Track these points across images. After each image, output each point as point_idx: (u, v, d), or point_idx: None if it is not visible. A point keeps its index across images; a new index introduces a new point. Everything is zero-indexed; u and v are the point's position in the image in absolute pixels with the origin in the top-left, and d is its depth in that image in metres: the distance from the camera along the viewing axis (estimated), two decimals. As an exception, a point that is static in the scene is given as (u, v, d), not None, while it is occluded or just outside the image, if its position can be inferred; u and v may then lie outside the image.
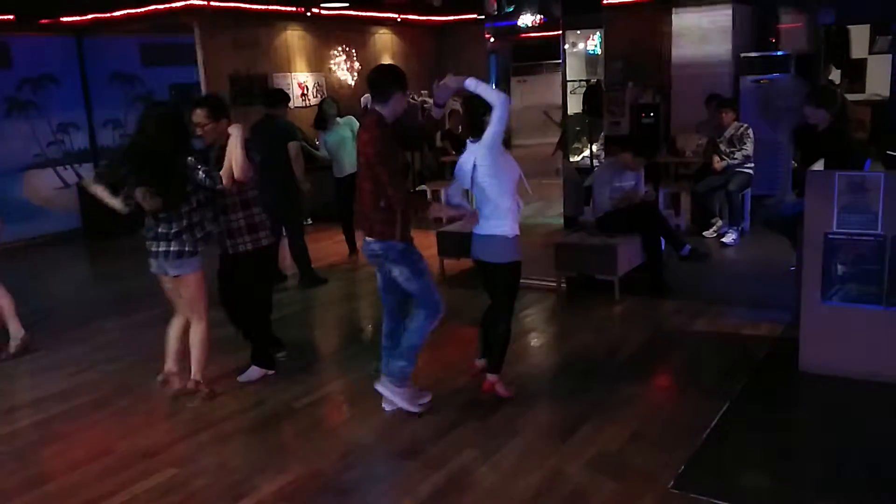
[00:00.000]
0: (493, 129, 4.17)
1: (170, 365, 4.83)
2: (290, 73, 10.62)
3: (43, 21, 9.65)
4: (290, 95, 10.40)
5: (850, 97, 10.77)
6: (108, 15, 9.48)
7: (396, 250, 4.20)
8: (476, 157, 4.23)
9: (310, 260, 7.29)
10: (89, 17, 9.64)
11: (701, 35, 10.21)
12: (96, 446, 4.23)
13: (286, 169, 6.73)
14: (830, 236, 4.46)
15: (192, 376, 4.75)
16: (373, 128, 4.13)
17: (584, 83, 7.96)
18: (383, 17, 11.69)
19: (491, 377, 4.59)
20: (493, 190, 4.25)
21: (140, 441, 4.26)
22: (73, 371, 5.36)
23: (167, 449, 4.15)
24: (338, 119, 8.07)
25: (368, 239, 4.27)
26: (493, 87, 7.32)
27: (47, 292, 7.67)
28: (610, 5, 8.41)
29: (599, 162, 7.52)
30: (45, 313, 6.70)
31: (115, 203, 4.52)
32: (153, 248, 4.55)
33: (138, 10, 9.20)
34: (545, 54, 7.08)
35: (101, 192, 4.53)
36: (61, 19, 9.70)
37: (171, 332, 4.87)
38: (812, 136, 5.96)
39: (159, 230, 4.50)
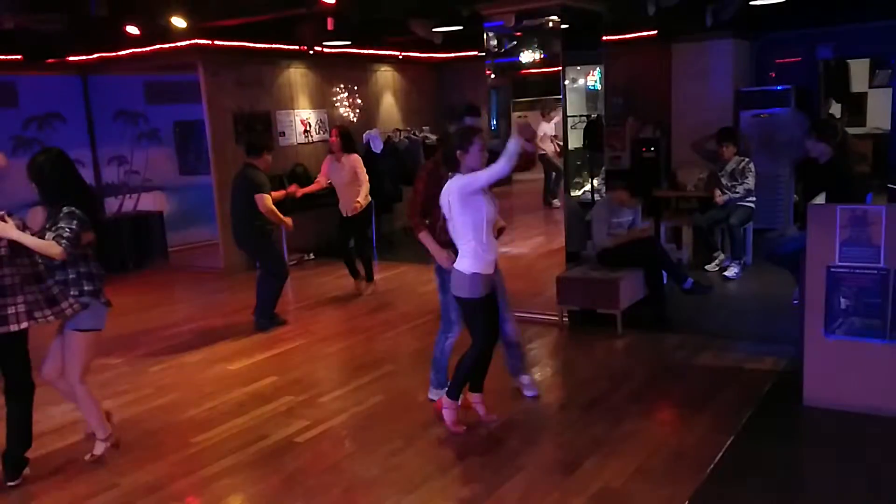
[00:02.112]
0: (475, 178, 4.25)
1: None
2: (293, 110, 10.72)
3: (49, 60, 9.78)
4: (285, 134, 10.54)
5: (851, 131, 10.85)
6: (114, 54, 9.61)
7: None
8: (450, 195, 4.33)
9: (275, 305, 7.24)
10: (95, 56, 9.77)
11: (700, 70, 10.32)
12: (100, 482, 4.21)
13: (253, 216, 6.88)
14: (833, 270, 4.47)
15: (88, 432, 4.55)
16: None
17: (584, 118, 8.02)
18: (385, 55, 11.82)
19: (445, 401, 4.65)
20: (460, 227, 4.36)
21: (144, 476, 4.24)
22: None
23: (171, 484, 4.13)
24: (344, 155, 7.92)
25: None
26: (494, 121, 7.45)
27: (51, 327, 7.66)
28: (610, 41, 8.49)
29: (601, 196, 7.56)
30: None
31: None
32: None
33: (143, 49, 9.32)
34: (545, 90, 7.15)
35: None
36: (68, 58, 9.83)
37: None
38: (814, 169, 6.00)
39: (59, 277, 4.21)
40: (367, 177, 8.01)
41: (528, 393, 5.08)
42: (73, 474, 4.31)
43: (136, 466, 4.38)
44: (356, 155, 8.09)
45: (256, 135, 9.70)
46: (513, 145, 4.14)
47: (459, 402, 4.62)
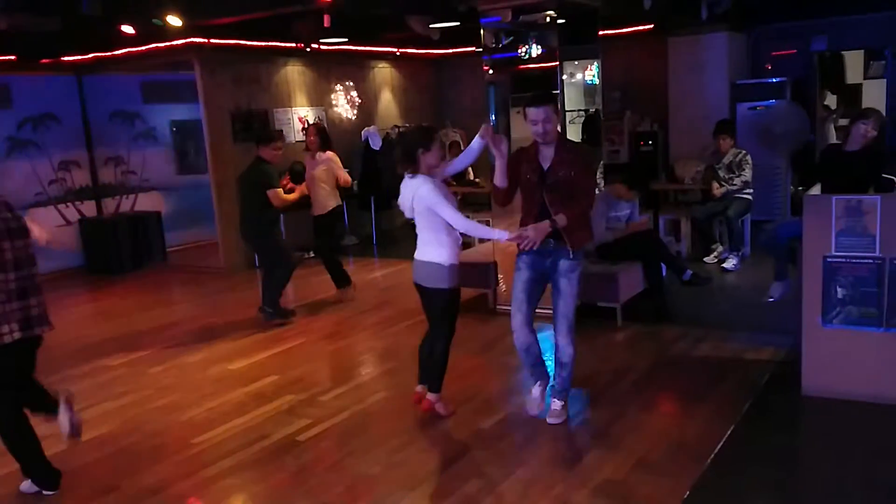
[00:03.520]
0: (443, 209, 4.34)
1: None
2: (291, 107, 10.72)
3: (44, 60, 9.76)
4: (283, 132, 10.44)
5: (846, 122, 10.85)
6: (109, 53, 9.57)
7: None
8: (414, 196, 4.41)
9: (279, 298, 7.22)
10: (90, 55, 9.74)
11: (697, 63, 10.33)
12: (102, 484, 4.21)
13: (262, 210, 6.91)
14: (829, 260, 4.49)
15: None
16: None
17: (582, 113, 8.03)
18: (382, 52, 11.82)
19: (431, 397, 4.74)
20: (435, 222, 4.43)
21: (146, 478, 4.25)
22: (77, 408, 5.32)
23: (172, 485, 4.14)
24: (319, 152, 7.67)
25: None
26: (493, 117, 7.45)
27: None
28: (606, 36, 8.49)
29: (599, 190, 7.57)
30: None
31: None
32: None
33: (139, 49, 9.29)
34: (543, 85, 7.15)
35: None
36: (62, 59, 9.81)
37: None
38: (812, 159, 5.92)
39: None
40: (346, 174, 7.78)
41: (549, 420, 4.57)
42: (77, 478, 4.31)
43: (137, 468, 4.38)
44: (331, 152, 7.76)
45: (263, 126, 9.71)
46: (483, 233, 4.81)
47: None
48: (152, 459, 4.48)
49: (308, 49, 10.27)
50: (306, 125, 10.80)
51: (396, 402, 5.16)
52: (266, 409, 5.13)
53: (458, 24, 8.57)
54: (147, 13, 7.28)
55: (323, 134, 7.80)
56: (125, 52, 9.49)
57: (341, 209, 7.86)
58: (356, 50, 11.19)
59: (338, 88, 11.44)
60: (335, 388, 5.58)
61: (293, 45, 10.08)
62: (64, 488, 4.18)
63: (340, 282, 8.00)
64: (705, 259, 8.32)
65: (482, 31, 7.07)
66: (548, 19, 6.76)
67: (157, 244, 10.91)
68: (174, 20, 7.29)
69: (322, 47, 10.35)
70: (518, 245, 4.35)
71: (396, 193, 4.56)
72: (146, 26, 7.71)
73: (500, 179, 4.41)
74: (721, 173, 8.20)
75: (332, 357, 6.48)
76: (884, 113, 10.43)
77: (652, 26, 10.24)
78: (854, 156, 5.55)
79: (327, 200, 7.65)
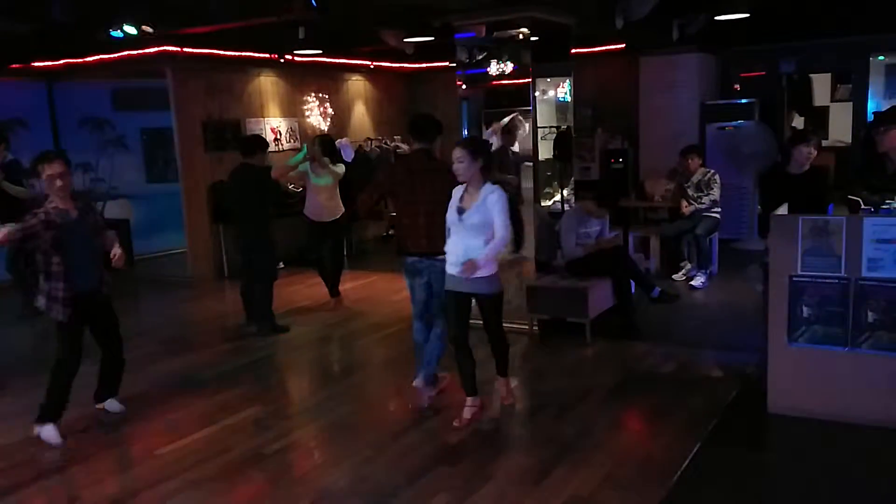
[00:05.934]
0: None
1: None
2: (263, 118, 10.67)
3: (13, 66, 9.62)
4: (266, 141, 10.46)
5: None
6: (81, 60, 9.46)
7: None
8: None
9: (271, 308, 7.16)
10: (61, 62, 9.63)
11: (667, 82, 10.48)
12: (60, 496, 4.13)
13: (259, 216, 6.84)
14: (795, 279, 4.55)
15: None
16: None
17: (554, 129, 8.09)
18: (356, 64, 11.83)
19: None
20: None
21: (106, 490, 4.17)
22: (33, 420, 5.22)
23: (133, 497, 4.06)
24: (328, 163, 7.85)
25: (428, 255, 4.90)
26: (465, 132, 7.49)
27: (2, 340, 7.57)
28: (579, 54, 8.59)
29: (570, 206, 7.63)
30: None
31: None
32: None
33: (111, 56, 9.19)
34: (516, 101, 7.21)
35: None
36: (32, 64, 9.68)
37: None
38: (778, 180, 5.99)
39: None
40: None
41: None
42: (35, 490, 4.22)
43: (98, 479, 4.30)
44: (342, 165, 8.09)
45: (248, 136, 9.16)
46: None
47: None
48: (113, 470, 4.41)
49: (282, 60, 10.24)
50: (275, 134, 10.77)
51: (363, 415, 5.13)
52: (231, 421, 5.06)
53: (432, 38, 8.61)
54: (119, 21, 7.20)
55: (327, 145, 8.02)
56: (97, 59, 9.38)
57: (346, 216, 8.13)
58: (330, 62, 11.18)
59: (311, 99, 11.41)
60: (303, 400, 5.53)
61: (267, 55, 10.05)
62: (23, 498, 4.10)
63: (336, 290, 8.13)
64: (673, 276, 8.40)
65: (456, 47, 7.11)
66: (521, 36, 6.82)
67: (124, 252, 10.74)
68: (131, 29, 7.12)
69: (296, 59, 10.33)
70: None
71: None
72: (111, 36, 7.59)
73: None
74: (690, 192, 8.30)
75: (301, 369, 6.43)
76: (850, 135, 10.71)
77: (624, 45, 10.37)
78: (801, 178, 5.41)
79: (338, 207, 7.95)
